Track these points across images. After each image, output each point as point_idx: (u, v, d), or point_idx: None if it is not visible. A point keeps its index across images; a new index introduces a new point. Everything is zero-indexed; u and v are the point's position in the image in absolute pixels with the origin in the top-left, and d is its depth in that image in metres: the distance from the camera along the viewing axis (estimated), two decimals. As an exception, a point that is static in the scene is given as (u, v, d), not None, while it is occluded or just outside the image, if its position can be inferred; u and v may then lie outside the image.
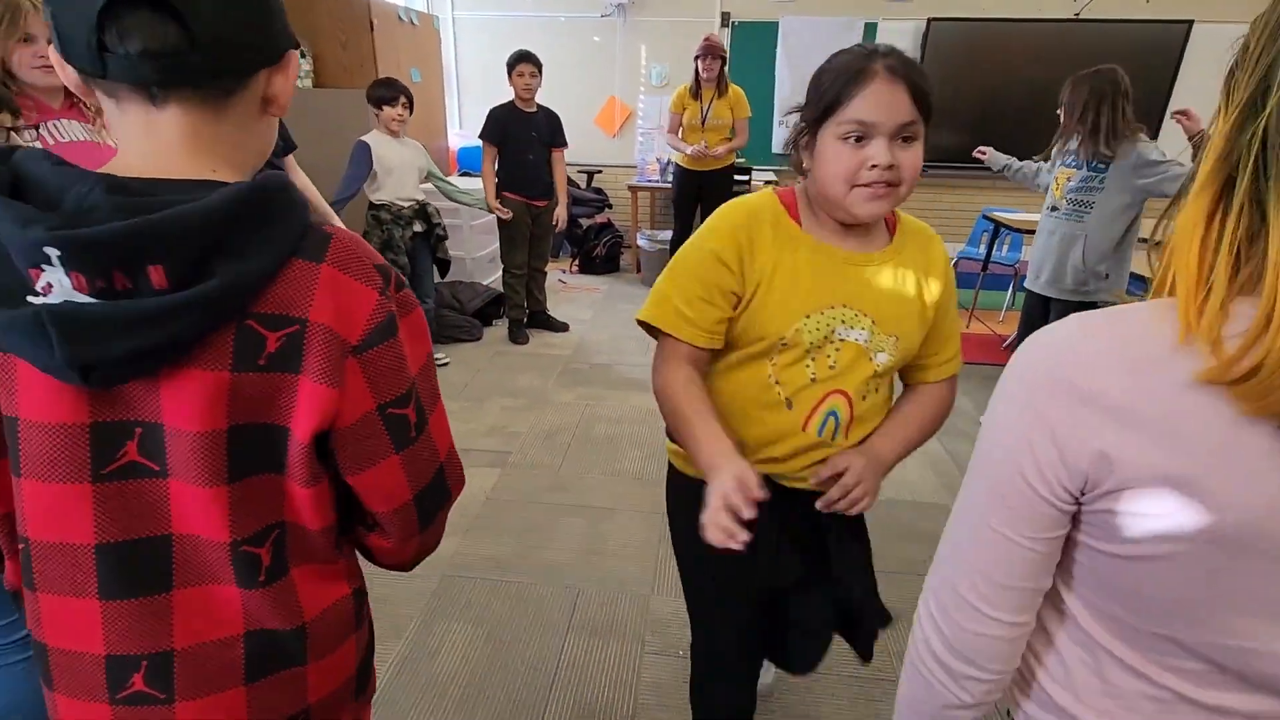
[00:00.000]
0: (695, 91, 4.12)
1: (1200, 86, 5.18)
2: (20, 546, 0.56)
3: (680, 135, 4.23)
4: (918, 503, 2.42)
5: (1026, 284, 2.80)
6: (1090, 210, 2.46)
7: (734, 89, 4.17)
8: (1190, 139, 2.36)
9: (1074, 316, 0.52)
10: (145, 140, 0.54)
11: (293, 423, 0.56)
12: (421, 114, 4.12)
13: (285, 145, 2.65)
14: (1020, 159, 3.00)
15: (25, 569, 0.57)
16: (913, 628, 0.63)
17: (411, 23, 4.17)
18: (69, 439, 0.53)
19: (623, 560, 2.08)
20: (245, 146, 0.58)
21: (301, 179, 2.75)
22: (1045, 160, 2.78)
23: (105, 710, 0.59)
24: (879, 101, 0.85)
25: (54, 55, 0.53)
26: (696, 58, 4.02)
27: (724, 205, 1.00)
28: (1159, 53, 5.21)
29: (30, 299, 0.48)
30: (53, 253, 0.47)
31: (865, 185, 0.87)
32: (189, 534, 0.57)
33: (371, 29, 3.72)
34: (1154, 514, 0.46)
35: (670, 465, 1.19)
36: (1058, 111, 2.54)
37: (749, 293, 0.95)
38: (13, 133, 1.40)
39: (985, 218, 4.52)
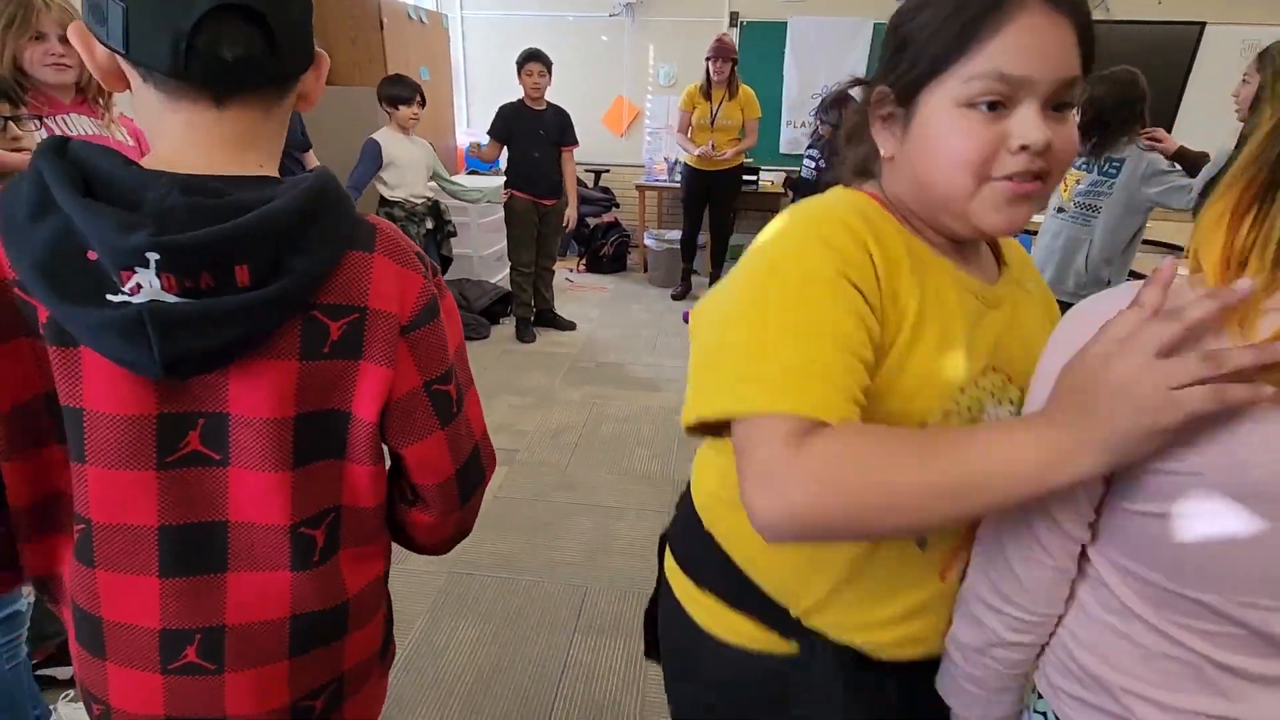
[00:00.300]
0: (706, 91, 4.11)
1: (1212, 87, 5.15)
2: (80, 528, 0.58)
3: (689, 135, 4.21)
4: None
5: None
6: (1098, 215, 2.40)
7: (745, 90, 4.15)
8: (1170, 158, 2.33)
9: (1119, 293, 0.53)
10: (202, 138, 0.55)
11: (355, 406, 0.60)
12: (430, 112, 4.12)
13: (304, 141, 2.69)
14: None
15: (84, 548, 0.59)
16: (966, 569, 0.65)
17: (421, 21, 4.17)
18: (137, 429, 0.55)
19: (631, 559, 2.08)
20: (280, 140, 0.61)
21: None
22: None
23: (157, 680, 0.62)
24: (1033, 43, 0.54)
25: (78, 33, 0.53)
26: (708, 58, 4.00)
27: (800, 205, 0.64)
28: (1171, 54, 5.19)
29: (110, 297, 0.50)
30: (152, 257, 0.49)
31: (1005, 178, 0.56)
32: (245, 521, 0.60)
33: (381, 27, 3.73)
34: (1193, 474, 0.47)
35: (683, 614, 0.76)
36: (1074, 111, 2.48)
37: (886, 348, 0.59)
38: (11, 122, 1.42)
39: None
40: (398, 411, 0.63)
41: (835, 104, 3.53)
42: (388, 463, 0.69)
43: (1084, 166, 2.46)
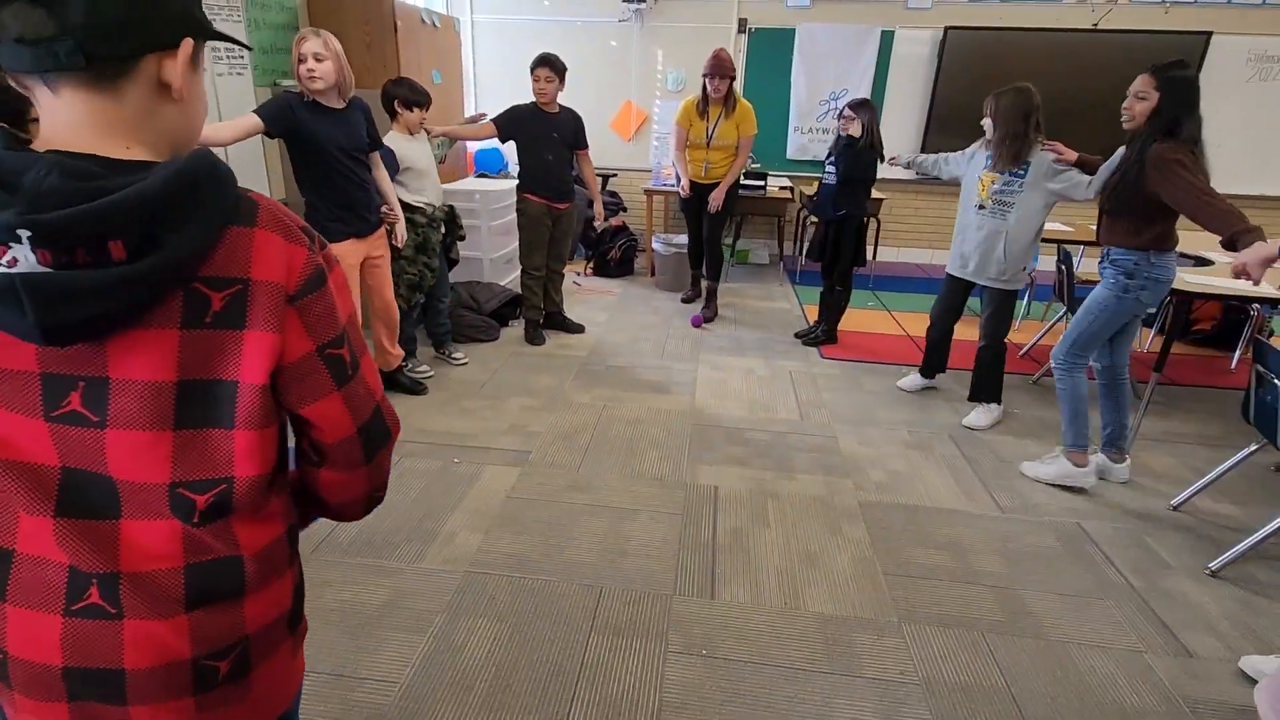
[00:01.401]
0: (702, 109, 3.99)
1: (1219, 97, 5.17)
2: None
3: (684, 152, 4.13)
4: (937, 509, 2.42)
5: (950, 270, 3.13)
6: (1012, 210, 2.83)
7: (743, 106, 3.98)
8: (1073, 165, 2.72)
9: None
10: (55, 120, 0.59)
11: (242, 373, 0.63)
12: (441, 115, 4.15)
13: (373, 143, 2.73)
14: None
15: None
16: None
17: (434, 25, 4.20)
18: (24, 383, 0.60)
19: (644, 560, 2.09)
20: (153, 128, 0.62)
21: (381, 173, 2.86)
22: (952, 151, 3.19)
23: (56, 624, 0.64)
24: None
25: None
26: (705, 75, 3.88)
27: None
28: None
29: None
30: (24, 234, 0.53)
31: None
32: (125, 479, 0.63)
33: (395, 31, 3.75)
34: None
35: None
36: (983, 121, 2.86)
37: None
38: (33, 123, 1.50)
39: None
40: (292, 375, 0.67)
41: (861, 106, 3.56)
42: (291, 439, 0.74)
43: (997, 170, 2.85)
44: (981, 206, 2.91)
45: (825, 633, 1.84)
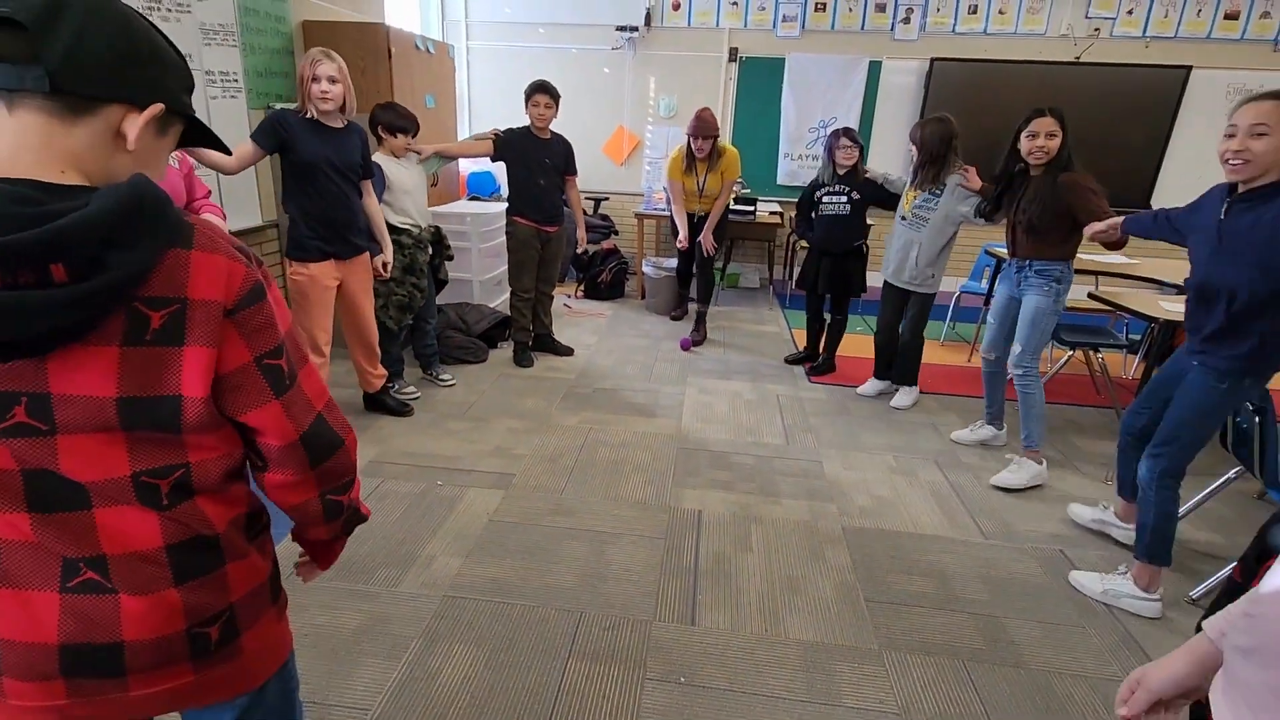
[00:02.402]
0: (689, 165, 4.09)
1: (1199, 129, 5.29)
2: None
3: (682, 204, 4.23)
4: (920, 535, 2.42)
5: (883, 275, 3.49)
6: (926, 224, 3.22)
7: (728, 154, 4.09)
8: (976, 192, 3.07)
9: None
10: (5, 139, 0.61)
11: (184, 387, 0.66)
12: (434, 139, 4.19)
13: (365, 169, 2.77)
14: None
15: None
16: None
17: (428, 51, 4.27)
18: None
19: (625, 585, 2.08)
20: (96, 164, 0.65)
21: (372, 200, 2.90)
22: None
23: (53, 599, 0.68)
24: None
25: None
26: (689, 135, 3.98)
27: None
28: (1158, 96, 5.33)
29: None
30: None
31: None
32: (85, 480, 0.66)
33: (389, 57, 3.81)
34: None
35: None
36: (910, 149, 3.24)
37: None
38: None
39: (987, 253, 4.57)
40: (231, 384, 0.70)
41: (845, 133, 3.61)
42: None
43: (918, 187, 3.24)
44: (904, 218, 3.32)
45: (805, 660, 1.82)
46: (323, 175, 2.58)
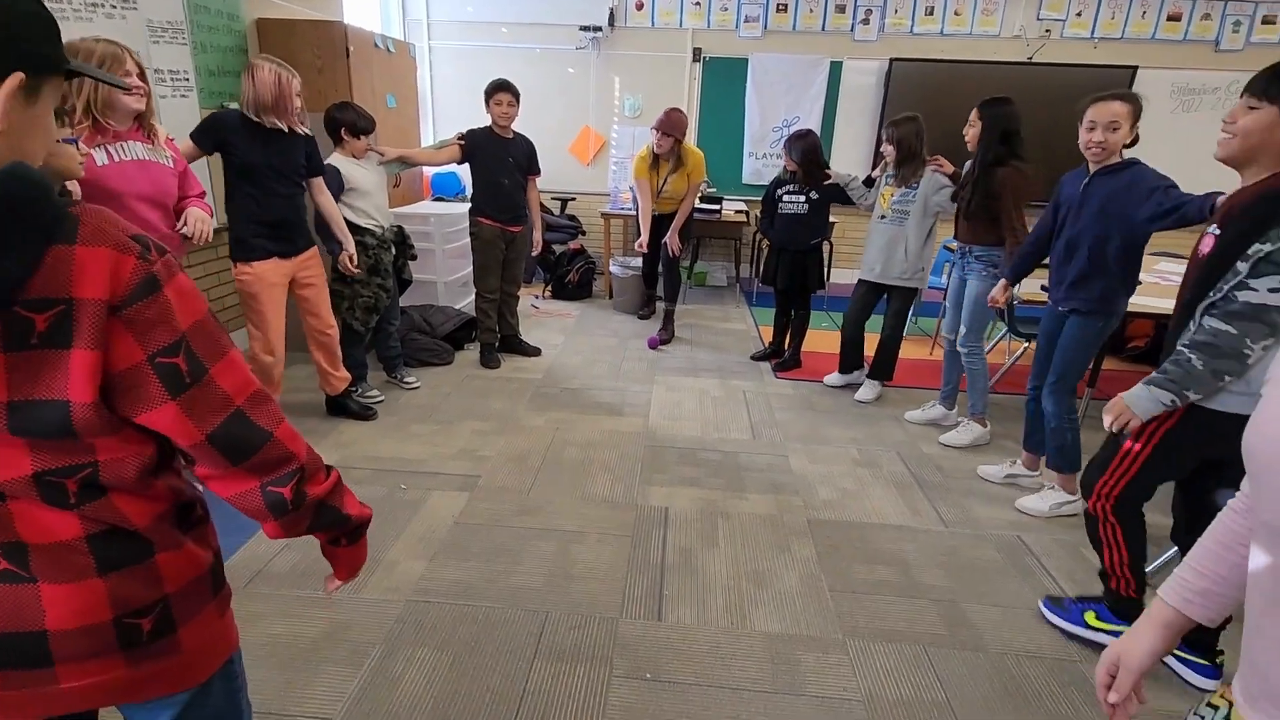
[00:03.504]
0: (654, 162, 4.10)
1: (1144, 127, 5.45)
2: None
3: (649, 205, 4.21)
4: (883, 525, 2.45)
5: (861, 276, 3.54)
6: (907, 218, 3.30)
7: (693, 157, 4.11)
8: (949, 177, 3.21)
9: None
10: None
11: (70, 392, 0.63)
12: (396, 140, 4.14)
13: (312, 168, 2.73)
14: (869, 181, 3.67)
15: None
16: None
17: (388, 50, 4.21)
18: None
19: (591, 584, 2.07)
20: None
21: (325, 199, 2.87)
22: (869, 185, 3.60)
23: None
24: None
25: None
26: (653, 129, 3.99)
27: None
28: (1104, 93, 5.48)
29: None
30: None
31: None
32: None
33: (348, 55, 3.75)
34: None
35: None
36: (886, 146, 3.33)
37: None
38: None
39: (946, 249, 4.66)
40: (123, 385, 0.66)
41: (799, 139, 3.66)
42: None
43: (893, 184, 3.34)
44: (883, 217, 3.39)
45: (771, 651, 1.83)
46: (264, 175, 2.56)
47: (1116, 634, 1.81)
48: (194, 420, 0.70)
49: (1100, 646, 1.83)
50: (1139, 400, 1.64)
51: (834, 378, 3.77)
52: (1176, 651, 1.78)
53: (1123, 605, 1.86)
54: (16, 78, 0.60)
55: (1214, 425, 1.58)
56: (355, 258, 2.94)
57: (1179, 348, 1.58)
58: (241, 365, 0.76)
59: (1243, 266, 1.43)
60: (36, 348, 0.61)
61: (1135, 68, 5.39)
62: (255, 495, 0.77)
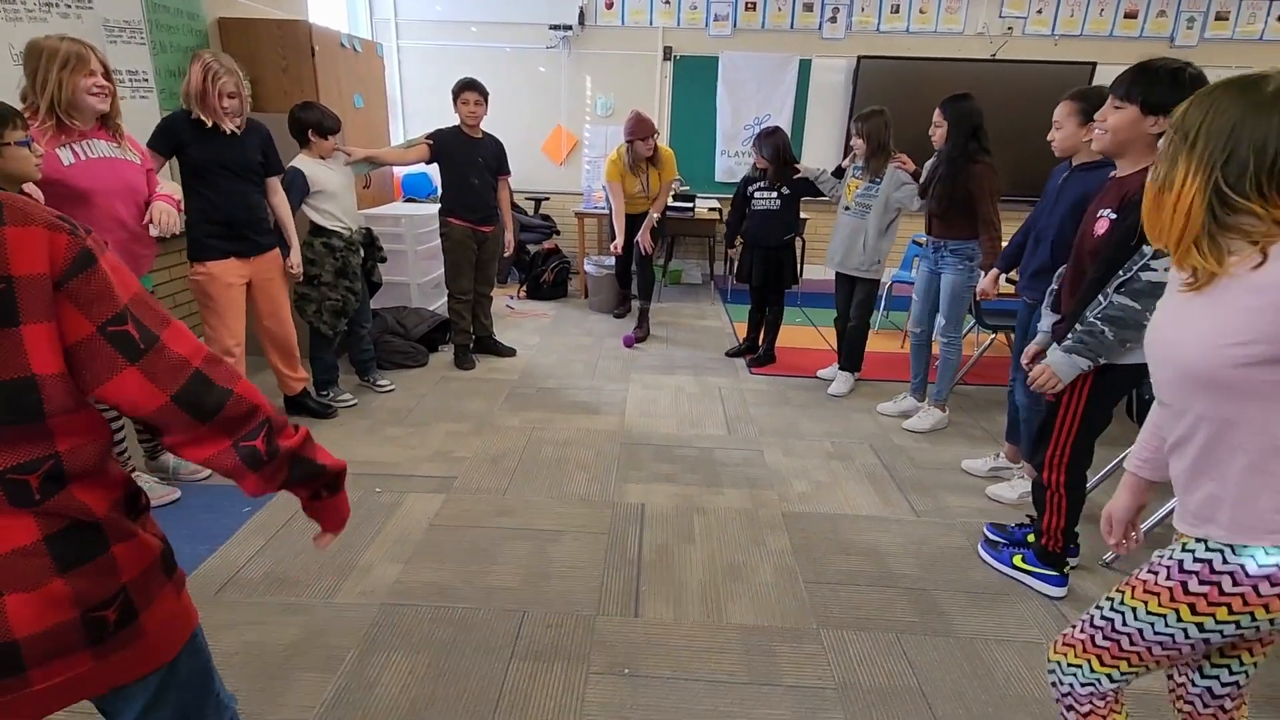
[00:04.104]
0: (630, 164, 4.11)
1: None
2: None
3: (623, 206, 4.27)
4: (856, 516, 2.49)
5: (828, 266, 3.62)
6: (869, 210, 3.36)
7: (664, 155, 4.17)
8: (912, 174, 3.27)
9: None
10: None
11: (35, 365, 0.66)
12: (365, 140, 4.10)
13: (268, 167, 2.71)
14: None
15: None
16: None
17: (354, 49, 4.16)
18: None
19: (568, 582, 2.07)
20: None
21: (279, 200, 2.84)
22: (839, 175, 3.66)
23: None
24: None
25: None
26: (630, 139, 4.00)
27: None
28: (1067, 90, 5.61)
29: None
30: None
31: None
32: None
33: (313, 55, 3.70)
34: None
35: None
36: (856, 140, 3.36)
37: None
38: (6, 147, 1.61)
39: (915, 244, 4.74)
40: (80, 358, 0.69)
41: (768, 136, 3.69)
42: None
43: (861, 176, 3.40)
44: (847, 208, 3.46)
45: (746, 643, 1.86)
46: (215, 173, 2.53)
47: (1039, 576, 2.12)
48: (156, 384, 0.73)
49: (1024, 586, 2.14)
50: (1061, 366, 1.86)
51: (834, 371, 3.78)
52: (1031, 569, 2.14)
53: (1048, 556, 2.12)
54: None
55: (1126, 375, 1.85)
56: (298, 265, 2.90)
57: (1091, 319, 1.78)
58: (188, 332, 0.79)
59: (1147, 249, 1.64)
60: None
61: (1094, 64, 5.52)
62: (230, 453, 0.80)
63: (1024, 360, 2.24)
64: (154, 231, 2.14)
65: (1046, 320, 2.15)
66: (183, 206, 2.32)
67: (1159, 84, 1.69)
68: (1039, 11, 5.56)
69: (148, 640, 0.80)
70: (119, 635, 0.77)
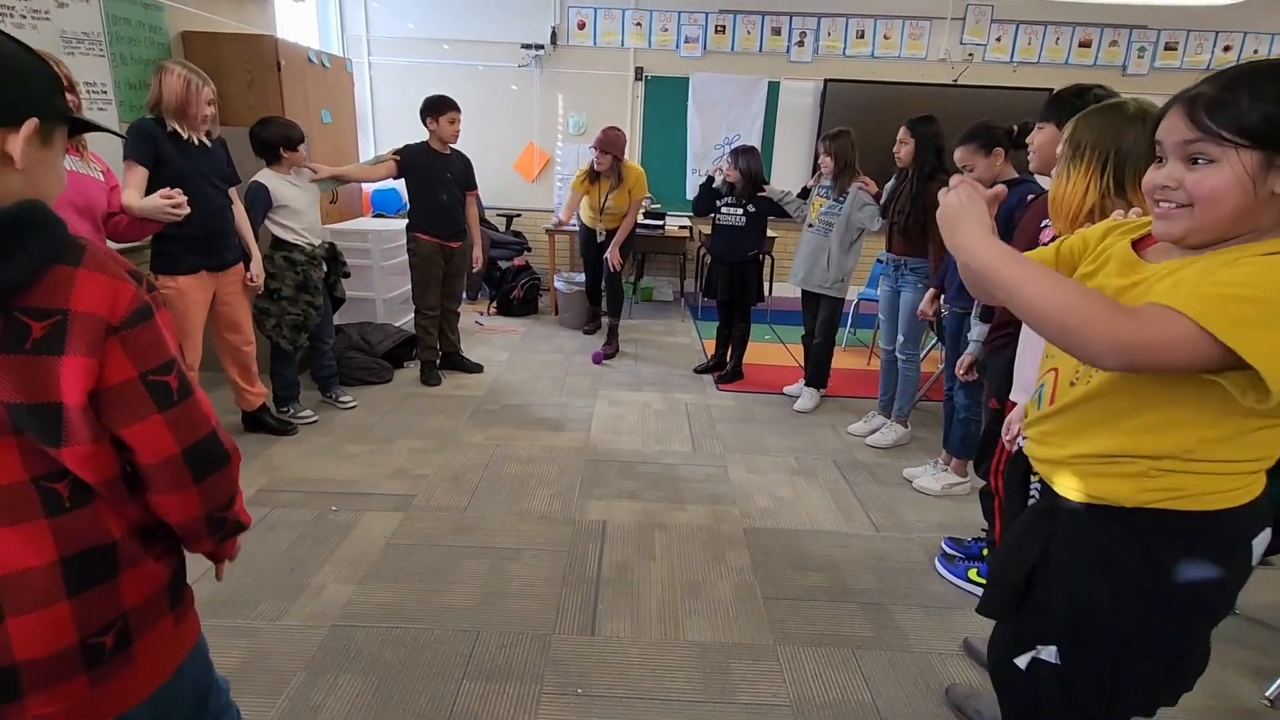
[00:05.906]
0: (594, 177, 4.19)
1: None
2: None
3: (579, 210, 4.39)
4: (817, 531, 2.50)
5: (792, 282, 3.68)
6: (831, 229, 3.43)
7: (634, 173, 4.20)
8: (874, 195, 3.35)
9: None
10: None
11: (64, 394, 0.69)
12: (333, 156, 4.08)
13: (231, 175, 2.70)
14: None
15: None
16: None
17: (322, 65, 4.15)
18: None
19: (525, 600, 2.05)
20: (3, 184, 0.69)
21: (238, 208, 2.81)
22: (804, 196, 3.74)
23: None
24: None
25: None
26: (592, 147, 4.10)
27: None
28: (1024, 114, 5.79)
29: None
30: None
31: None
32: None
33: (279, 69, 3.68)
34: None
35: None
36: (824, 158, 3.43)
37: None
38: None
39: (880, 261, 4.82)
40: (113, 397, 0.72)
41: (745, 153, 3.75)
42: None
43: (826, 195, 3.47)
44: (811, 225, 3.52)
45: (703, 661, 1.85)
46: (197, 183, 2.46)
47: None
48: (176, 434, 0.76)
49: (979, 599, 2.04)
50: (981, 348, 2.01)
51: (797, 388, 3.83)
52: (985, 581, 2.06)
53: None
54: (33, 123, 0.70)
55: None
56: (260, 276, 2.87)
57: None
58: (208, 401, 0.83)
59: None
60: (30, 352, 0.66)
61: (1050, 89, 5.67)
62: (200, 522, 0.84)
63: (959, 372, 2.34)
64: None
65: (977, 329, 2.23)
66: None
67: (1065, 104, 1.85)
68: (998, 39, 5.75)
69: (138, 665, 0.81)
70: (112, 660, 0.78)
